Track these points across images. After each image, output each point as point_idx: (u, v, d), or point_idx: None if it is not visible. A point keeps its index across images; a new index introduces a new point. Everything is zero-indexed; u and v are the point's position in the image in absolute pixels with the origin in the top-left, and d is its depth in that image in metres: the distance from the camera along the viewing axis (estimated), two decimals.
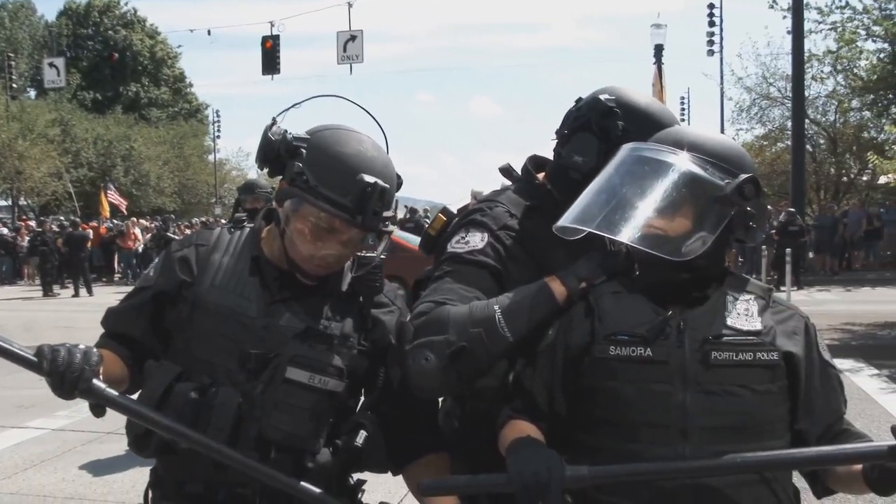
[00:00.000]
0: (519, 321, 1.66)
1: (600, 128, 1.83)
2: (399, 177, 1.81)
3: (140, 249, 22.47)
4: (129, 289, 1.93)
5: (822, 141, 27.16)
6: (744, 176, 1.54)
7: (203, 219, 27.92)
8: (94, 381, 1.55)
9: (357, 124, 1.80)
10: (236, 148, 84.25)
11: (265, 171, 1.78)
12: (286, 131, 1.73)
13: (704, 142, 1.60)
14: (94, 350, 1.60)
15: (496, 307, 1.68)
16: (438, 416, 1.94)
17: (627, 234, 1.53)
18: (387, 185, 1.68)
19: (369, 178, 1.66)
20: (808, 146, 23.55)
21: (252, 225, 1.89)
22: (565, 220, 1.63)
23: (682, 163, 1.56)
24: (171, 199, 41.70)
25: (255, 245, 1.83)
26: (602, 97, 1.84)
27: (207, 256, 1.81)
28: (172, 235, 19.73)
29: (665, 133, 1.66)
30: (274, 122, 1.76)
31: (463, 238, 1.85)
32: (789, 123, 21.30)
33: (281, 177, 1.75)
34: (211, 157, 47.15)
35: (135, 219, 25.09)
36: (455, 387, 1.72)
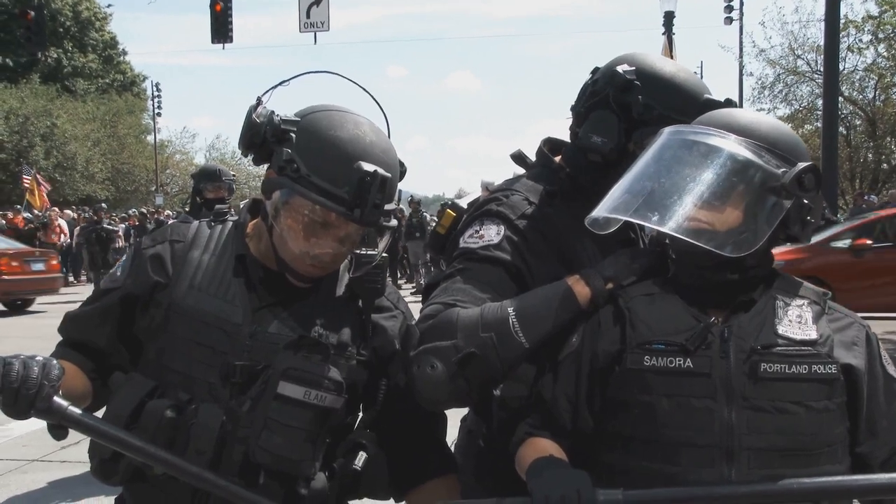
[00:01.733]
0: (536, 325, 1.71)
1: (619, 104, 1.87)
2: (402, 164, 1.84)
3: (65, 245, 22.22)
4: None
5: (858, 122, 27.43)
6: (802, 164, 1.59)
7: (143, 209, 27.66)
8: (55, 398, 1.55)
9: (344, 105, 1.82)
10: (180, 128, 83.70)
11: (249, 157, 1.80)
12: (273, 113, 1.74)
13: (758, 125, 1.65)
14: (55, 362, 1.60)
15: (510, 309, 1.72)
16: (458, 436, 1.96)
17: (672, 224, 1.57)
18: (388, 174, 1.69)
19: (368, 167, 1.67)
20: (841, 128, 23.75)
21: (236, 218, 1.91)
22: (599, 211, 1.67)
23: (734, 147, 1.60)
24: (103, 186, 41.27)
25: (240, 242, 1.85)
26: (620, 68, 1.88)
27: (184, 254, 1.82)
28: (109, 227, 19.53)
29: (711, 115, 1.71)
30: (259, 102, 1.78)
31: (477, 232, 1.89)
32: (820, 102, 21.29)
33: (268, 165, 1.77)
34: (150, 138, 46.74)
35: (57, 209, 24.80)
36: (465, 398, 1.76)
